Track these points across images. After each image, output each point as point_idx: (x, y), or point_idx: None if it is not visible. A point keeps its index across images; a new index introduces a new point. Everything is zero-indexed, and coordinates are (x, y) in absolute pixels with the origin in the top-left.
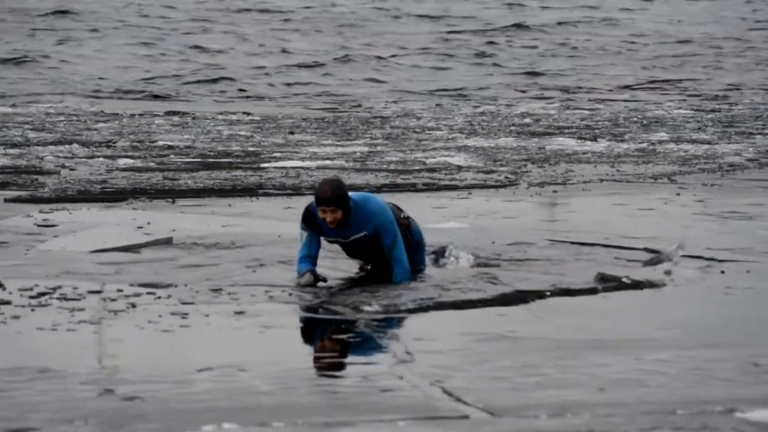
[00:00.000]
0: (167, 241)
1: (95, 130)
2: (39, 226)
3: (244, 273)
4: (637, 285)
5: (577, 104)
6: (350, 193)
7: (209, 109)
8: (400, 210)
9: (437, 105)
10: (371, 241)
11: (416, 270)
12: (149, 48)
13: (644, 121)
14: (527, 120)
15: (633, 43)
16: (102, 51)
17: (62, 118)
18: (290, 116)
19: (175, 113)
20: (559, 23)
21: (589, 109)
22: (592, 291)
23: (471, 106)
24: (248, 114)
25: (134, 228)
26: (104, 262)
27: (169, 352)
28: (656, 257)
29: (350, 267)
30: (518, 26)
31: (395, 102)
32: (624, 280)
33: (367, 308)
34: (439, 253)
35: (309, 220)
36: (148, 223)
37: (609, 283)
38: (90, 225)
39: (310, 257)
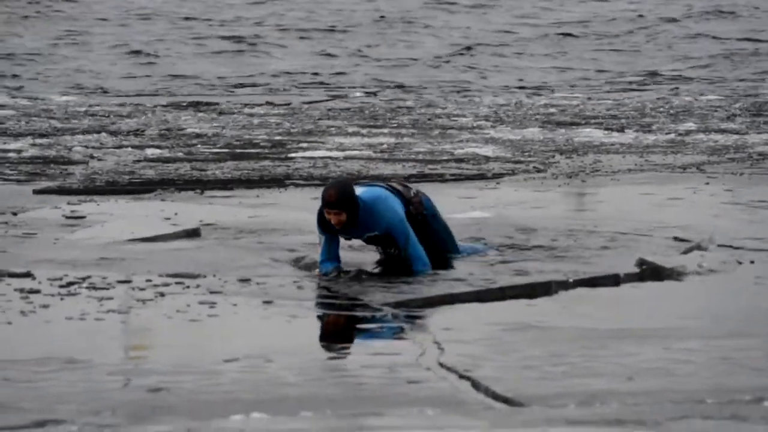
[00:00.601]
0: (195, 232)
1: (121, 122)
2: (67, 218)
3: (273, 263)
4: (665, 274)
5: (600, 95)
6: (360, 191)
7: (234, 100)
8: (408, 188)
9: (458, 92)
10: (387, 236)
11: (445, 242)
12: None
13: (671, 111)
14: (552, 110)
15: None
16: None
17: (83, 109)
18: (315, 107)
19: (198, 103)
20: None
21: (613, 100)
22: (620, 280)
23: (492, 95)
24: (272, 104)
25: (162, 219)
26: (133, 252)
27: (196, 342)
28: (689, 247)
29: (375, 258)
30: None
31: (414, 91)
32: (663, 267)
33: (394, 299)
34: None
35: (323, 221)
36: (176, 214)
37: (648, 269)
38: (118, 216)
39: (331, 259)
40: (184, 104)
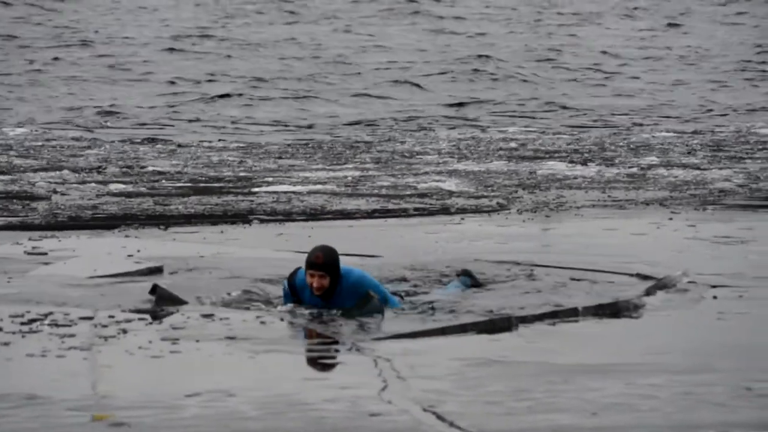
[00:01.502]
0: (158, 270)
1: (81, 156)
2: (29, 254)
3: (236, 299)
4: (628, 310)
5: (554, 129)
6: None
7: (188, 138)
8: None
9: (422, 129)
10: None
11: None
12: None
13: (631, 146)
14: (512, 144)
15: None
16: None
17: (40, 142)
18: (273, 143)
19: (154, 140)
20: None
21: (569, 135)
22: (584, 316)
23: (447, 129)
24: (221, 140)
25: (125, 256)
26: (95, 289)
27: (158, 378)
28: (660, 282)
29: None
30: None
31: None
32: (635, 303)
33: (357, 335)
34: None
35: (291, 288)
36: (138, 251)
37: (610, 306)
38: (81, 253)
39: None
40: (139, 140)
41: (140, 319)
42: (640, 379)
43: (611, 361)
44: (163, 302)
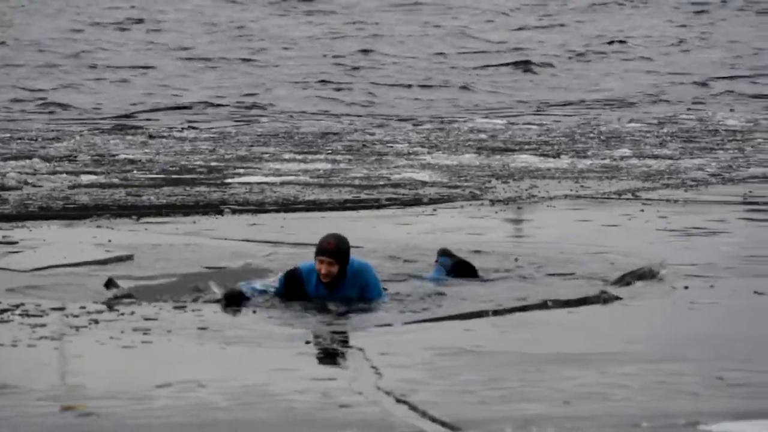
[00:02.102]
0: (128, 258)
1: (51, 147)
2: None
3: (208, 290)
4: (602, 299)
5: (523, 120)
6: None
7: (161, 125)
8: None
9: (385, 125)
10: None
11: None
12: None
13: (602, 137)
14: (482, 136)
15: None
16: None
17: (8, 134)
18: (245, 132)
19: (124, 127)
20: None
21: (538, 125)
22: (558, 306)
23: (412, 123)
24: (193, 127)
25: (96, 245)
26: (66, 278)
27: (129, 369)
28: (639, 272)
29: None
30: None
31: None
32: (622, 297)
33: (330, 326)
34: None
35: (292, 283)
36: (109, 241)
37: (611, 298)
38: (51, 242)
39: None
40: (109, 127)
41: (111, 309)
42: (614, 368)
43: (584, 350)
44: (118, 297)
